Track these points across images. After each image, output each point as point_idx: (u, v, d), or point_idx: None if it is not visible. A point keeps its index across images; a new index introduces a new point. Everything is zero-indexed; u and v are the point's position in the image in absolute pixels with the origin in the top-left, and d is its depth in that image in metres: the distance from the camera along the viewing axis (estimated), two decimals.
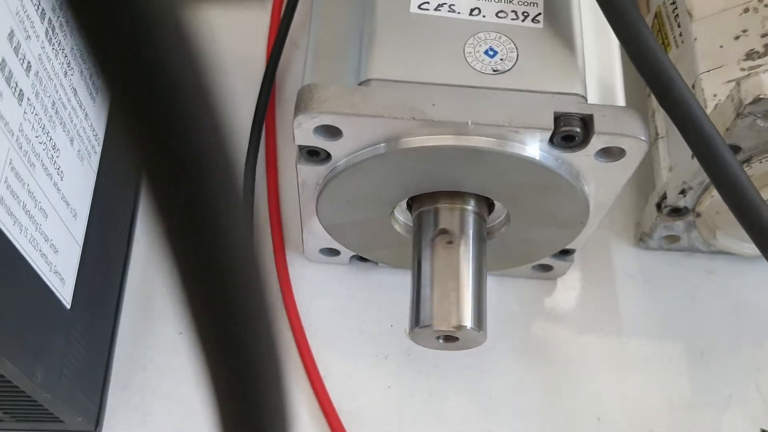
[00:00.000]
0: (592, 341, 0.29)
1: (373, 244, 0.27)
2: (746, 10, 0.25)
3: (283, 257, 0.29)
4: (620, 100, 0.23)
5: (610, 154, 0.22)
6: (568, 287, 0.30)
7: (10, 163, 0.18)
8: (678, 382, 0.29)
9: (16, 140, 0.19)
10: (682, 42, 0.27)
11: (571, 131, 0.21)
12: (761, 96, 0.22)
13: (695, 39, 0.26)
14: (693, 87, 0.26)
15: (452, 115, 0.21)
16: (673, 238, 0.29)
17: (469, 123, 0.21)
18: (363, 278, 0.29)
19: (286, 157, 0.31)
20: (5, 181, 0.18)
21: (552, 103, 0.21)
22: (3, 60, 0.18)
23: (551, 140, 0.21)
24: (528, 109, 0.21)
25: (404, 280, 0.27)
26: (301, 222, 0.27)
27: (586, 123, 0.21)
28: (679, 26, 0.28)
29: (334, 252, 0.28)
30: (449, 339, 0.23)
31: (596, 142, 0.21)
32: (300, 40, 0.34)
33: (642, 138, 0.21)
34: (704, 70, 0.25)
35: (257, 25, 0.35)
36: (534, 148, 0.21)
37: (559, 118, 0.21)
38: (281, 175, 0.31)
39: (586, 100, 0.22)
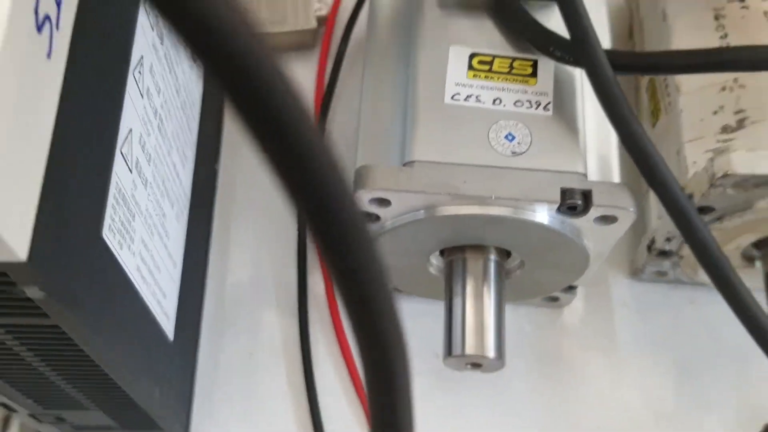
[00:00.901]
0: (593, 359, 0.35)
1: (410, 282, 0.33)
2: (723, 89, 0.31)
3: (332, 290, 0.35)
4: (615, 176, 0.28)
5: (606, 220, 0.27)
6: (573, 313, 0.35)
7: (141, 239, 0.24)
8: (666, 394, 0.34)
9: (144, 219, 0.24)
10: (671, 111, 0.32)
11: (574, 203, 0.26)
12: (729, 173, 0.27)
13: (681, 111, 0.31)
14: (678, 153, 0.31)
15: (479, 191, 0.26)
16: (661, 273, 0.35)
17: (493, 197, 0.26)
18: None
19: None
20: (139, 254, 0.24)
21: (559, 180, 0.26)
22: (137, 160, 0.23)
23: (558, 209, 0.27)
24: (539, 186, 0.26)
25: (432, 307, 0.33)
26: None
27: (587, 196, 0.26)
28: (668, 95, 0.33)
29: None
30: (475, 365, 0.29)
31: (594, 212, 0.26)
32: (342, 93, 0.39)
33: (631, 209, 0.26)
34: (687, 140, 0.31)
35: (305, 75, 0.40)
36: (544, 215, 0.27)
37: (565, 193, 0.26)
38: None
39: (587, 177, 0.27)
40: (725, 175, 0.27)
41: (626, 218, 0.27)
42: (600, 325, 0.35)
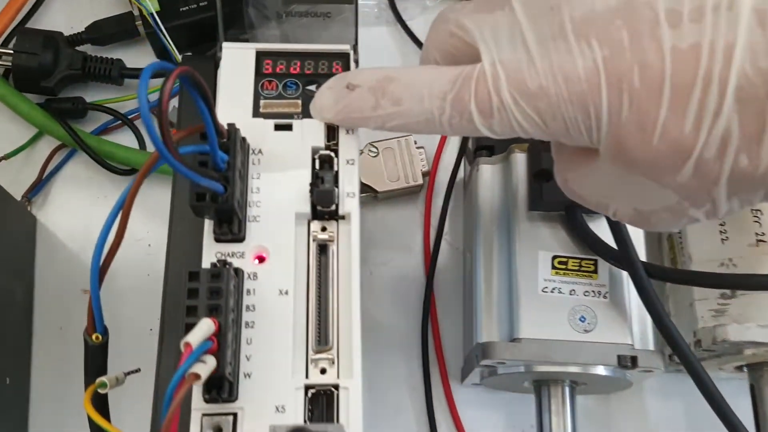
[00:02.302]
0: (631, 423, 0.50)
1: (509, 387, 0.48)
2: (722, 264, 0.45)
3: (449, 385, 0.50)
4: (651, 344, 0.43)
5: (645, 371, 0.42)
6: (620, 394, 0.51)
7: None
8: None
9: None
10: None
11: (625, 365, 0.41)
12: (726, 339, 0.42)
13: None
14: (690, 305, 0.45)
15: (565, 358, 0.41)
16: (679, 370, 0.49)
17: (571, 360, 0.41)
18: (495, 396, 0.50)
19: (446, 328, 0.51)
20: None
21: (616, 350, 0.41)
22: None
23: (616, 367, 0.41)
24: (603, 355, 0.41)
25: (523, 397, 0.48)
26: (462, 374, 0.47)
27: (634, 360, 0.41)
28: (683, 257, 0.47)
29: (478, 384, 0.49)
30: None
31: (639, 368, 0.41)
32: (449, 238, 0.53)
33: (661, 368, 0.41)
34: (697, 299, 0.45)
35: (413, 217, 0.54)
36: (602, 369, 0.42)
37: (619, 358, 0.41)
38: (444, 341, 0.51)
39: (633, 347, 0.42)
40: (723, 340, 0.42)
41: (657, 371, 0.42)
42: (636, 402, 0.50)
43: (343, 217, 0.32)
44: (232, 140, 0.29)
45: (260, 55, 0.34)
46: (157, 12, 0.53)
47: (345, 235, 0.32)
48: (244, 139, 0.31)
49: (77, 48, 0.55)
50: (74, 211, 0.53)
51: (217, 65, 0.34)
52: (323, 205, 0.31)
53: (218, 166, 0.28)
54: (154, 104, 0.55)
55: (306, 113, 0.33)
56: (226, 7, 0.38)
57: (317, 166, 0.32)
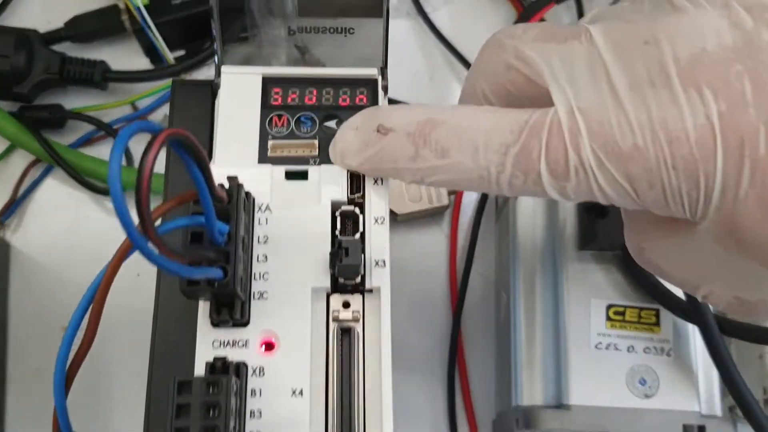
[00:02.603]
0: None
1: None
2: None
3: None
4: (718, 408, 0.36)
5: None
6: None
7: None
8: None
9: None
10: None
11: None
12: None
13: None
14: (760, 357, 0.39)
15: (622, 429, 0.35)
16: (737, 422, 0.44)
17: (629, 431, 0.35)
18: None
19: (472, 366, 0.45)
20: None
21: (681, 418, 0.35)
22: None
23: None
24: (667, 423, 0.35)
25: None
26: (494, 430, 0.42)
27: (702, 429, 0.35)
28: None
29: None
30: None
31: None
32: (479, 267, 0.47)
33: None
34: None
35: (437, 242, 0.48)
36: None
37: (685, 428, 0.35)
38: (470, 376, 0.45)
39: (701, 413, 0.36)
40: None
41: None
42: None
43: (370, 291, 0.25)
44: (233, 204, 0.23)
45: (267, 82, 0.28)
46: (145, 5, 0.47)
47: (373, 313, 0.25)
48: (248, 194, 0.25)
49: (54, 47, 0.48)
50: (52, 235, 0.47)
51: (214, 93, 0.28)
52: (347, 278, 0.25)
53: (215, 240, 0.22)
54: (144, 111, 0.49)
55: (324, 157, 0.27)
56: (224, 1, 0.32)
57: (338, 225, 0.26)
